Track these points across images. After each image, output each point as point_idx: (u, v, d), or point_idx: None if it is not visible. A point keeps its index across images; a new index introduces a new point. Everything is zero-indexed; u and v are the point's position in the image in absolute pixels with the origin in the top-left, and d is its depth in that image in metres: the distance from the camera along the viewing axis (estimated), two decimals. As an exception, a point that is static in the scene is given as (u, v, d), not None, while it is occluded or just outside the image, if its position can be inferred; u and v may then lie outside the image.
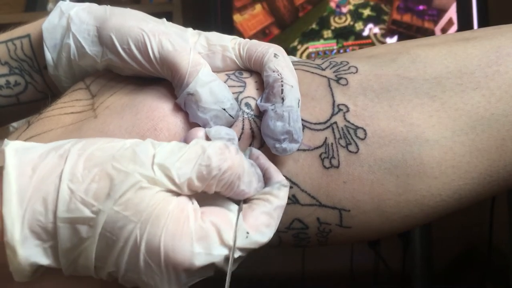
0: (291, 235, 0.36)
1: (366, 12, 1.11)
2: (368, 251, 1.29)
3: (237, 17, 1.11)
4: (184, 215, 0.27)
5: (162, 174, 0.27)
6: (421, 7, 1.08)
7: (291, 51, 1.11)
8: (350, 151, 0.34)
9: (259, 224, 0.29)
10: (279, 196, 0.31)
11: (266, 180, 0.32)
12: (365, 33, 1.11)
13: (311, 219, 0.35)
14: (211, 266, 0.28)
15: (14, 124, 0.45)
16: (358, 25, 1.11)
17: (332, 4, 1.12)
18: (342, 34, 1.11)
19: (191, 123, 0.34)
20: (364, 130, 0.34)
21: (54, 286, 0.30)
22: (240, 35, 1.12)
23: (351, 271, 1.33)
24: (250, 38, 1.09)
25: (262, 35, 1.12)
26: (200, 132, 0.32)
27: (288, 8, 1.11)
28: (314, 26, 1.12)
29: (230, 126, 0.34)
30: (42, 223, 0.26)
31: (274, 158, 0.34)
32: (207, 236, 0.27)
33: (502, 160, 0.35)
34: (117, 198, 0.26)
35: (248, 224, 0.29)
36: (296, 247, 0.38)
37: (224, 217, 0.29)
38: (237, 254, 0.28)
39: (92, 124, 0.34)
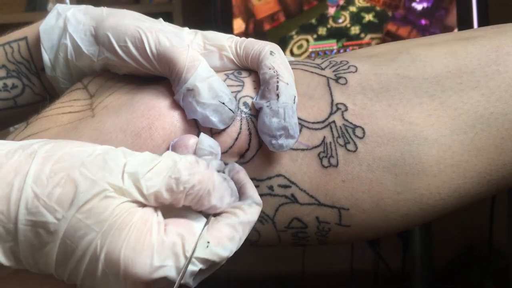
0: (290, 234, 0.36)
1: (368, 17, 1.09)
2: (368, 251, 1.29)
3: (254, 0, 1.17)
4: (147, 228, 0.27)
5: (131, 183, 0.27)
6: (423, 22, 1.04)
7: (288, 40, 1.13)
8: (348, 150, 0.34)
9: (221, 236, 0.29)
10: (248, 211, 0.30)
11: (241, 195, 0.32)
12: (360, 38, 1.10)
13: (310, 218, 0.35)
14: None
15: (16, 125, 0.46)
16: (354, 29, 1.10)
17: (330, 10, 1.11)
18: (336, 34, 1.11)
19: (188, 122, 0.34)
20: (363, 129, 0.34)
21: (27, 282, 0.29)
22: (253, 16, 1.16)
23: (351, 271, 1.33)
24: (261, 20, 1.14)
25: (271, 20, 1.16)
26: (192, 139, 0.32)
27: (294, 0, 1.14)
28: (313, 21, 1.12)
29: (230, 121, 0.34)
30: (4, 223, 0.26)
31: (273, 156, 0.34)
32: (168, 249, 0.27)
33: (501, 159, 0.35)
34: (80, 206, 0.26)
35: (211, 235, 0.29)
36: (295, 246, 0.38)
37: (188, 228, 0.28)
38: (197, 266, 0.28)
39: (89, 122, 0.34)
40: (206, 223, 0.29)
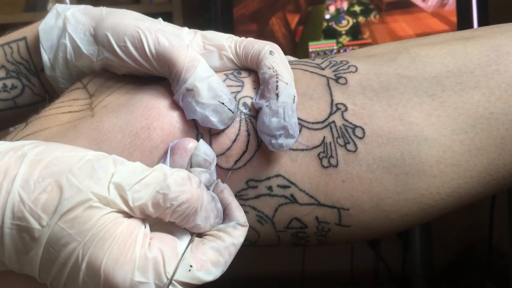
0: (289, 234, 0.36)
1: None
2: (368, 251, 1.29)
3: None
4: (132, 239, 0.27)
5: (116, 194, 0.27)
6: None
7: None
8: (348, 150, 0.34)
9: (205, 260, 0.28)
10: (233, 234, 0.30)
11: (225, 216, 0.31)
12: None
13: (309, 218, 0.35)
14: None
15: (16, 126, 0.46)
16: (345, 38, 1.09)
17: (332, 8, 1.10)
18: (331, 34, 1.10)
19: (186, 123, 0.34)
20: (363, 129, 0.34)
21: (15, 283, 0.29)
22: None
23: (351, 271, 1.33)
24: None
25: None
26: (191, 143, 0.32)
27: (285, 34, 1.11)
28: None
29: (229, 121, 0.34)
30: None
31: (272, 156, 0.34)
32: (150, 266, 0.27)
33: (501, 159, 0.35)
34: (63, 213, 0.26)
35: (194, 258, 0.28)
36: (295, 246, 0.38)
37: (172, 246, 0.28)
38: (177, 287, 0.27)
39: (88, 122, 0.34)
40: (190, 243, 0.29)
